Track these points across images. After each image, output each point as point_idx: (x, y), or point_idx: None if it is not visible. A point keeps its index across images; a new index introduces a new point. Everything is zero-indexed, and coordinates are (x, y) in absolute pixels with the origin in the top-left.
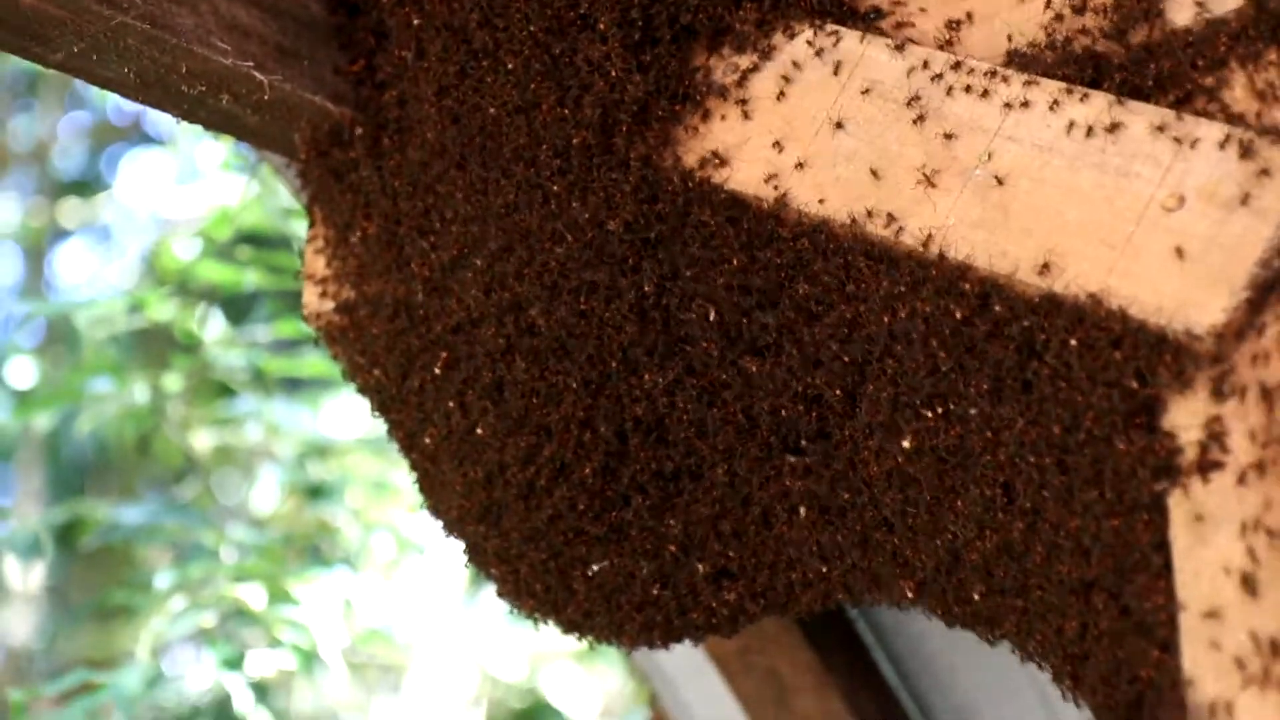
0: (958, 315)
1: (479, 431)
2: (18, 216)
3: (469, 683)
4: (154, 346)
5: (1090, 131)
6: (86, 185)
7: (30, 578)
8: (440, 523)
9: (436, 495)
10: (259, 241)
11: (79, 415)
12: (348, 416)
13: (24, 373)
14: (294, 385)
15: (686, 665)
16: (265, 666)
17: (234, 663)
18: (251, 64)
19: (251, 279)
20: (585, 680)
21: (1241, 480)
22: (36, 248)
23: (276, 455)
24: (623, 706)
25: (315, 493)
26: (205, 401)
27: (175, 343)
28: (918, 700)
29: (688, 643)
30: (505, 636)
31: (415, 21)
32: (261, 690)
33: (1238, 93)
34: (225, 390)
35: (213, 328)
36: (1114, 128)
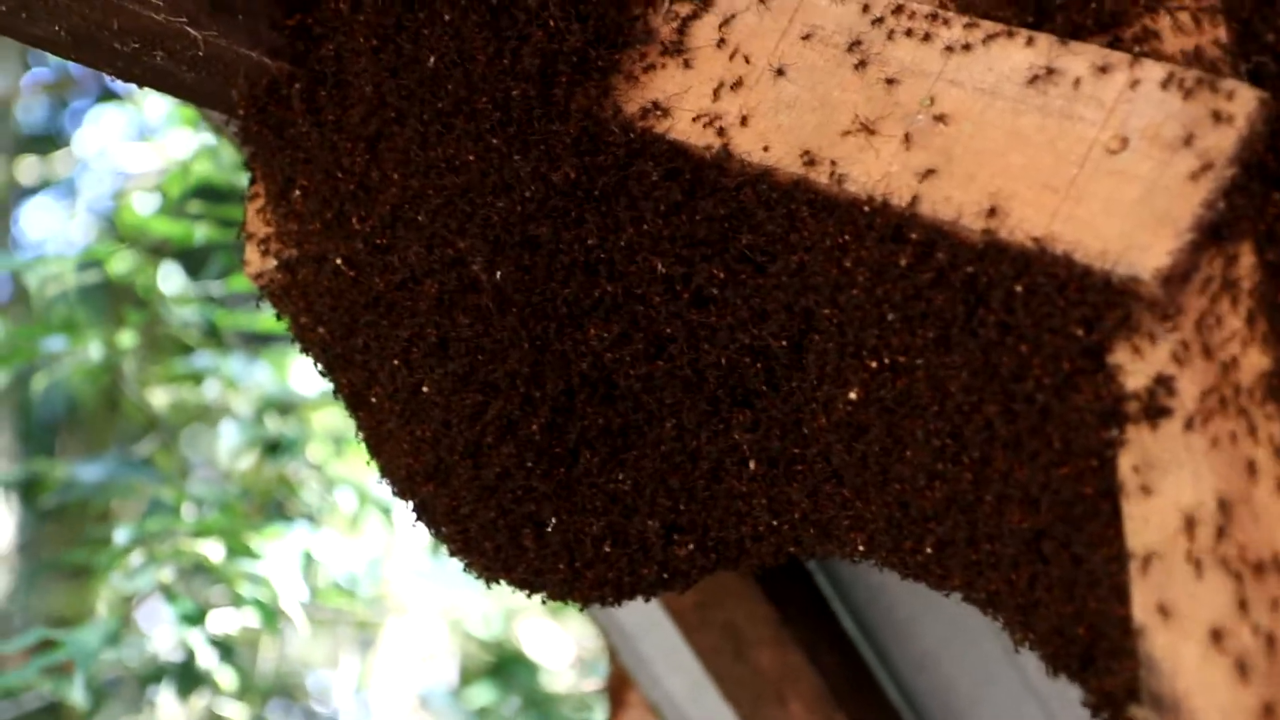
0: (902, 263)
1: (425, 390)
2: None
3: (441, 637)
4: (113, 303)
5: (1032, 74)
6: (50, 140)
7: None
8: (389, 482)
9: (385, 455)
10: (212, 195)
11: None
12: (309, 371)
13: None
14: (257, 340)
15: (644, 620)
16: (228, 623)
17: (195, 619)
18: (185, 19)
19: (203, 233)
20: (558, 633)
21: (1189, 426)
22: (1, 205)
23: (235, 411)
24: (595, 658)
25: (275, 448)
26: (162, 358)
27: (134, 299)
28: (878, 651)
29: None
30: (477, 590)
31: None
32: (226, 648)
33: (1182, 29)
34: (183, 347)
35: (171, 283)
36: (1055, 70)
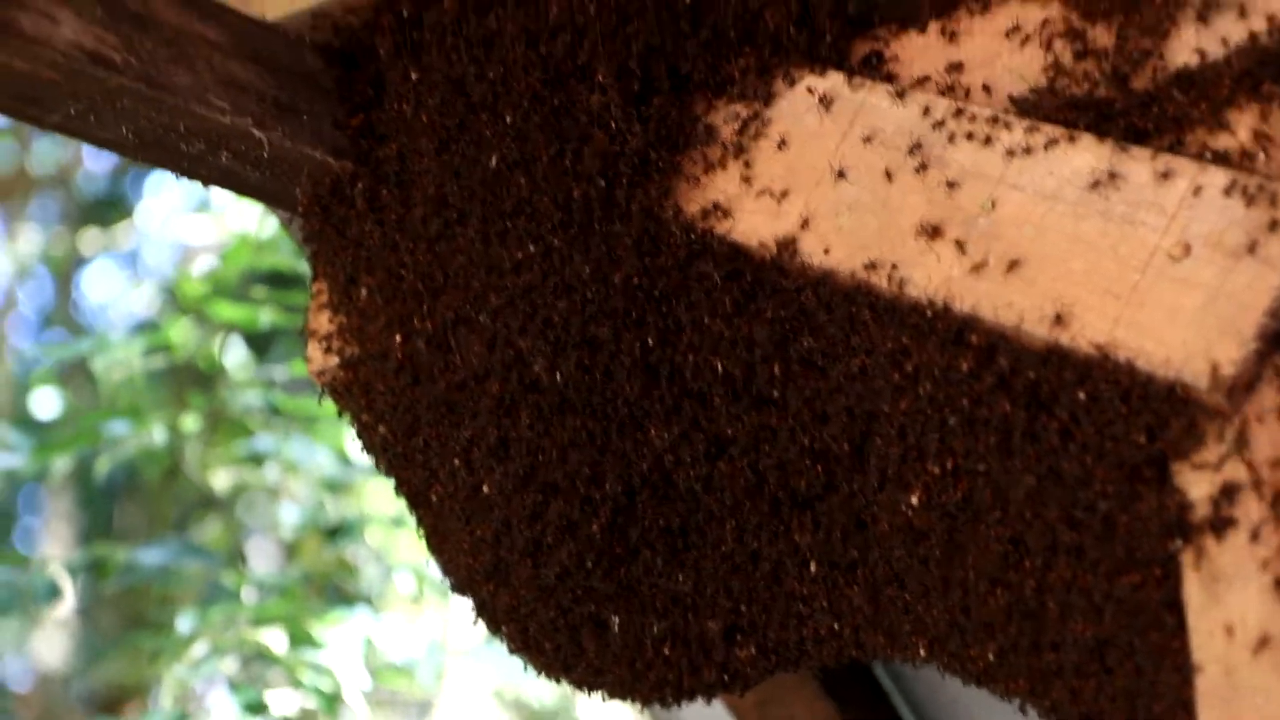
0: (964, 368)
1: (485, 489)
2: (43, 243)
3: (497, 715)
4: (174, 381)
5: (1094, 178)
6: (111, 207)
7: (64, 604)
8: (449, 580)
9: (445, 552)
10: (275, 280)
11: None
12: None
13: (48, 404)
14: (314, 418)
15: (705, 715)
16: (288, 709)
17: (256, 708)
18: (250, 120)
19: (267, 317)
20: (617, 705)
21: (1255, 537)
22: (63, 271)
23: (295, 493)
24: None
25: (335, 531)
26: (224, 440)
27: (195, 376)
28: None
29: None
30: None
31: (413, 75)
32: None
33: (1242, 136)
34: (243, 429)
35: (234, 356)
36: (1117, 175)
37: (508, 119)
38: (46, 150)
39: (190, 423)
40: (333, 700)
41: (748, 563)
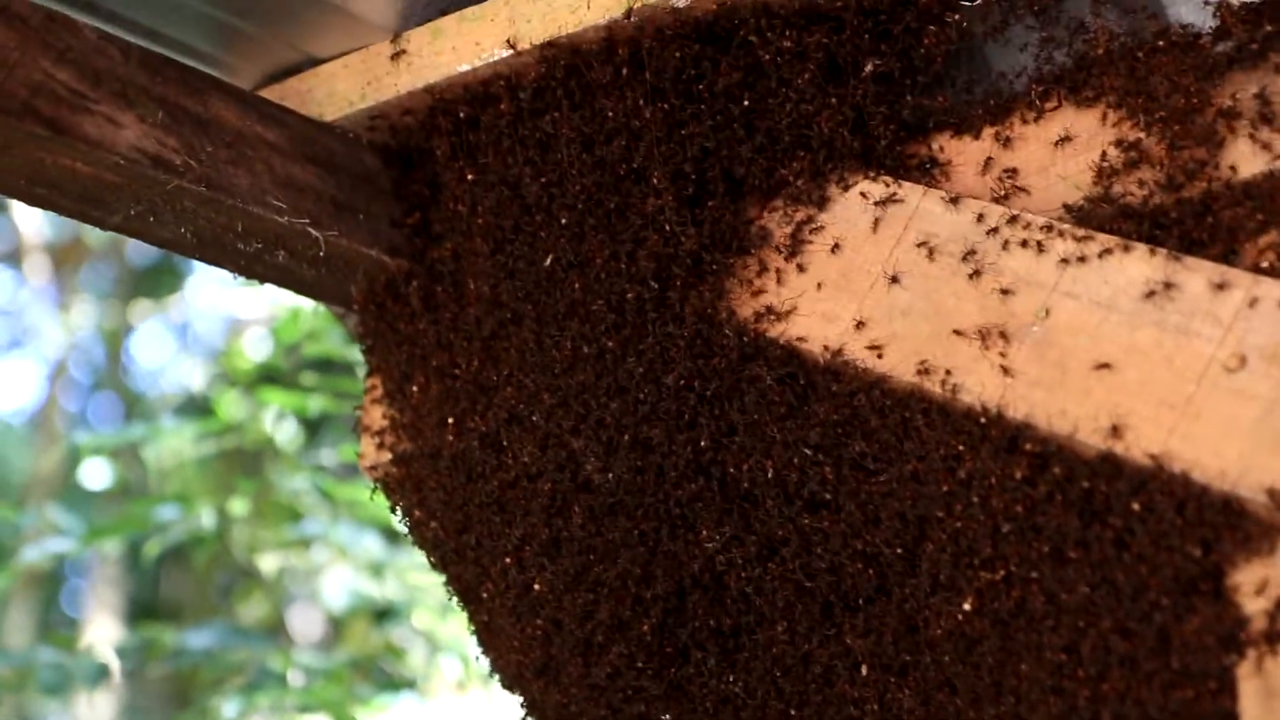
0: (1017, 476)
1: (536, 588)
2: (95, 313)
3: None
4: (223, 463)
5: (1149, 288)
6: (163, 276)
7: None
8: (499, 677)
9: (495, 649)
10: (325, 366)
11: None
12: None
13: (97, 475)
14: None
15: None
16: None
17: None
18: (307, 221)
19: (316, 404)
20: None
21: None
22: (114, 338)
23: (341, 576)
24: None
25: (382, 614)
26: (272, 523)
27: (244, 458)
28: None
29: None
30: None
31: (469, 176)
32: None
33: None
34: (291, 512)
35: (284, 433)
36: (1172, 284)
37: (563, 220)
38: None
39: (239, 507)
40: None
41: (799, 665)
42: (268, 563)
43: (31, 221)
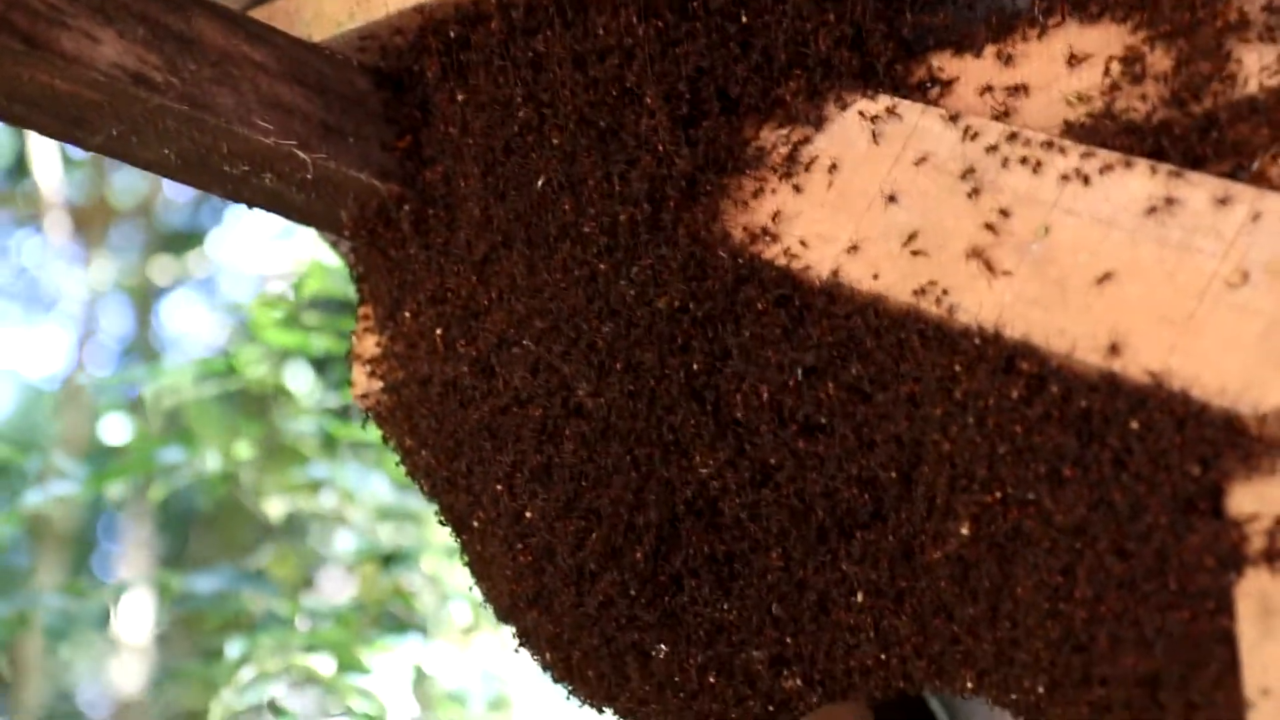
0: (1014, 396)
1: (528, 515)
2: (119, 271)
3: None
4: (234, 409)
5: (1150, 204)
6: (192, 238)
7: (139, 630)
8: (493, 607)
9: (488, 578)
10: (330, 306)
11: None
12: None
13: (117, 431)
14: (370, 447)
15: None
16: None
17: None
18: (295, 142)
19: (321, 343)
20: None
21: None
22: (142, 300)
23: (350, 521)
24: None
25: (390, 559)
26: (279, 468)
27: (256, 403)
28: None
29: None
30: None
31: (460, 97)
32: None
33: None
34: (300, 457)
35: (299, 382)
36: (1174, 200)
37: (555, 141)
38: (125, 182)
39: (244, 450)
40: None
41: (794, 592)
42: (275, 508)
43: (52, 181)
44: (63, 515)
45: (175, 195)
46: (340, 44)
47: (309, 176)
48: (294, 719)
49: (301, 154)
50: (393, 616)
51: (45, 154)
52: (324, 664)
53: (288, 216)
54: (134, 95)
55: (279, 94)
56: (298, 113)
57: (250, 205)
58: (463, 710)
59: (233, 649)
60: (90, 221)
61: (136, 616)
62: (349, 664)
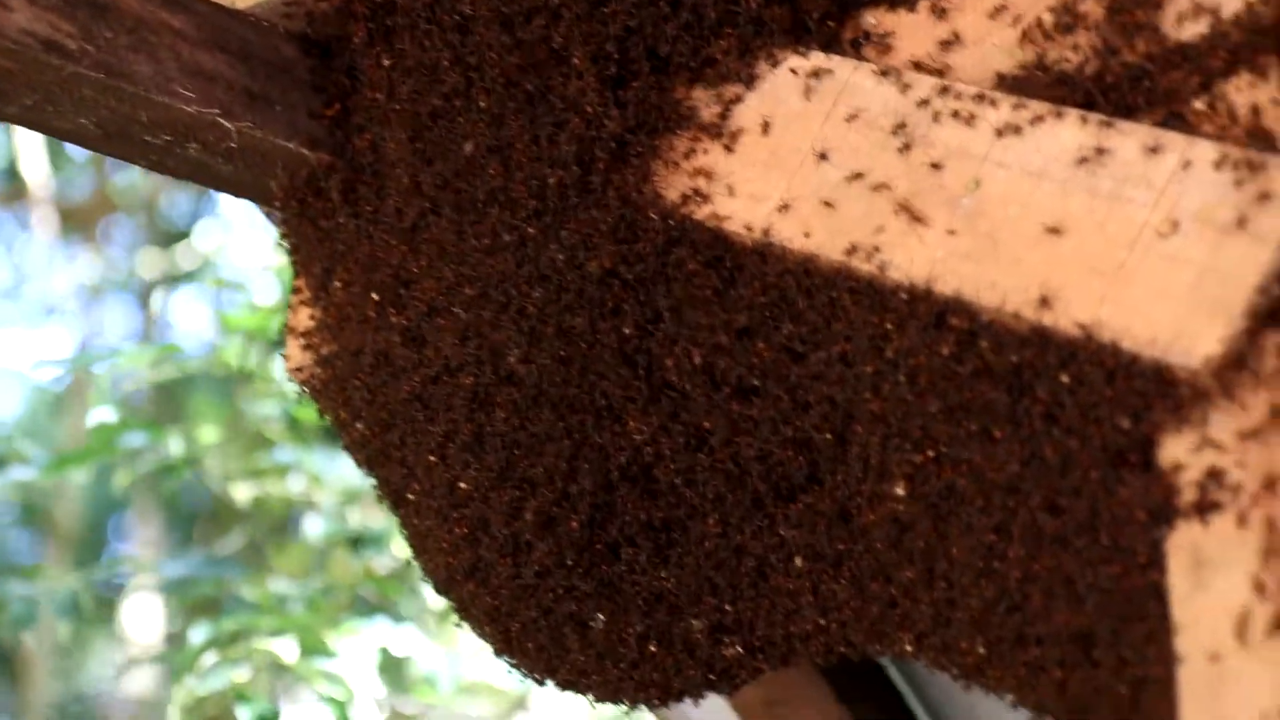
0: (945, 352)
1: (461, 486)
2: (112, 266)
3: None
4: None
5: (1081, 154)
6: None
7: (150, 629)
8: (431, 581)
9: (426, 552)
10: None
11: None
12: None
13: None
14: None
15: (713, 718)
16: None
17: (270, 718)
18: (218, 110)
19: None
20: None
21: (1242, 521)
22: (145, 297)
23: (318, 505)
24: None
25: (358, 542)
26: (245, 453)
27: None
28: None
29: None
30: None
31: (386, 62)
32: None
33: (1236, 110)
34: (267, 441)
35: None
36: (1104, 150)
37: (482, 105)
38: (126, 179)
39: (208, 434)
40: (345, 712)
41: (731, 558)
42: (242, 492)
43: (38, 175)
44: (70, 514)
45: (179, 192)
46: (265, 10)
47: (234, 146)
48: (260, 703)
49: (225, 122)
50: (364, 601)
51: (32, 151)
52: (288, 649)
53: (216, 187)
54: (46, 63)
55: (200, 61)
56: (220, 80)
57: (177, 176)
58: (434, 693)
59: (196, 635)
60: (91, 218)
61: (146, 616)
62: (313, 648)
